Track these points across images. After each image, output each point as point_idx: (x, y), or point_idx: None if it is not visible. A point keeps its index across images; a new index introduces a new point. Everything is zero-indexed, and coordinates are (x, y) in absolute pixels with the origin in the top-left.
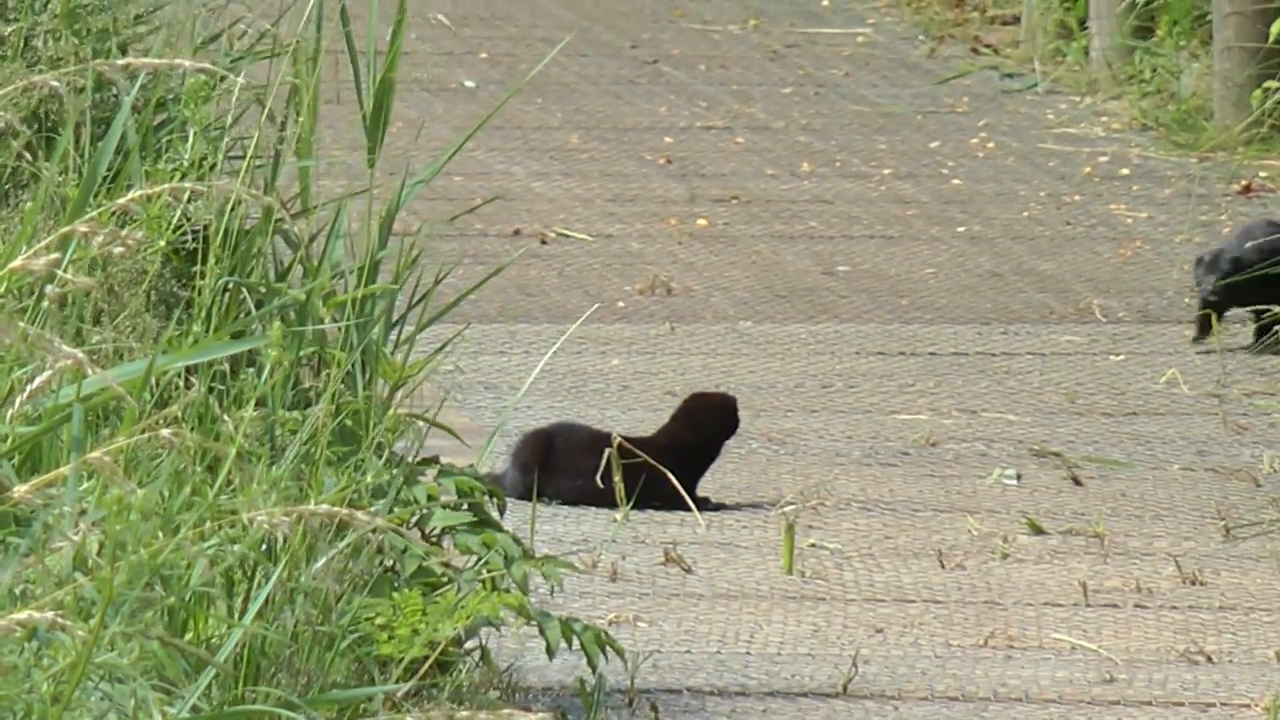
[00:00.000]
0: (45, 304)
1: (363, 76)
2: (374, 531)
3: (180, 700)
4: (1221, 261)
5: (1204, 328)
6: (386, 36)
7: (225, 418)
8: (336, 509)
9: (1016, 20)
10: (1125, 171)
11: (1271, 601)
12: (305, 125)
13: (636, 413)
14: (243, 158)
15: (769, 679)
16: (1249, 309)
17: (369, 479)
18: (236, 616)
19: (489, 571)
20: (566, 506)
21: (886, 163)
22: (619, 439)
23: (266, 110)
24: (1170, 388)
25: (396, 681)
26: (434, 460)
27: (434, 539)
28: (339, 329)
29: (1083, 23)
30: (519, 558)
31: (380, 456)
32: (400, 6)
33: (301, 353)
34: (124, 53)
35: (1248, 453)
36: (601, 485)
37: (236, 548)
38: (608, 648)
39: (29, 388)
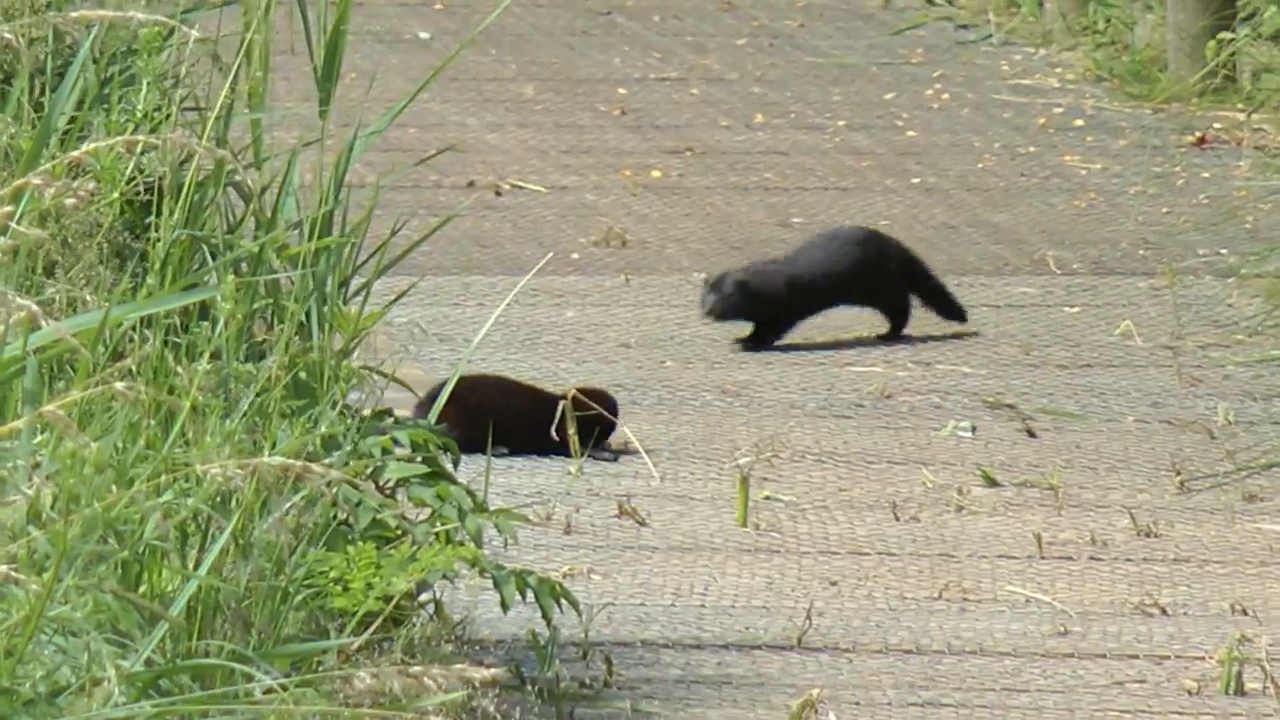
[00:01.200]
0: None
1: (314, 28)
2: (328, 484)
3: (134, 653)
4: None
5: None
6: None
7: (179, 371)
8: (291, 461)
9: None
10: (1079, 123)
11: (1225, 554)
12: (257, 77)
13: (590, 364)
14: (196, 110)
15: (723, 631)
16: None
17: (323, 431)
18: (190, 569)
19: (443, 524)
20: (520, 458)
21: (841, 114)
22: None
23: (219, 62)
24: (1125, 340)
25: (350, 635)
26: (388, 412)
27: (388, 492)
28: (292, 281)
29: None
30: (473, 510)
31: (334, 409)
32: None
33: (255, 305)
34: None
35: (1202, 405)
36: (556, 437)
37: (190, 501)
38: (562, 600)
39: None
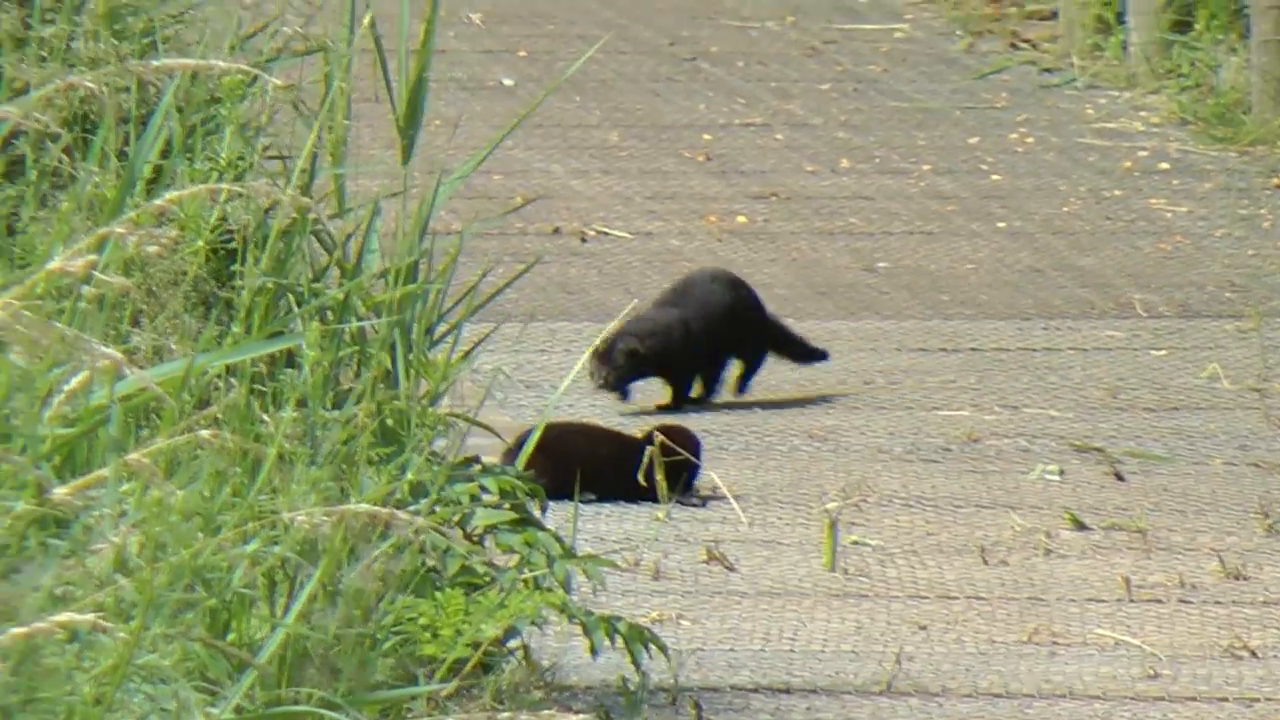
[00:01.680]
0: (83, 305)
1: (396, 76)
2: (415, 531)
3: (222, 701)
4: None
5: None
6: (420, 35)
7: (265, 418)
8: (378, 509)
9: (1054, 15)
10: (1164, 166)
11: None
12: (339, 126)
13: (677, 410)
14: (279, 158)
15: (812, 676)
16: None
17: (410, 478)
18: (278, 617)
19: (531, 570)
20: (607, 504)
21: (926, 158)
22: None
23: (301, 110)
24: (1212, 382)
25: (439, 681)
26: (475, 459)
27: (476, 538)
28: (377, 328)
29: (1120, 17)
30: (561, 556)
31: (421, 456)
32: (432, 5)
33: (341, 353)
34: (163, 53)
35: None
36: (643, 482)
37: (277, 548)
38: (651, 646)
39: (65, 388)
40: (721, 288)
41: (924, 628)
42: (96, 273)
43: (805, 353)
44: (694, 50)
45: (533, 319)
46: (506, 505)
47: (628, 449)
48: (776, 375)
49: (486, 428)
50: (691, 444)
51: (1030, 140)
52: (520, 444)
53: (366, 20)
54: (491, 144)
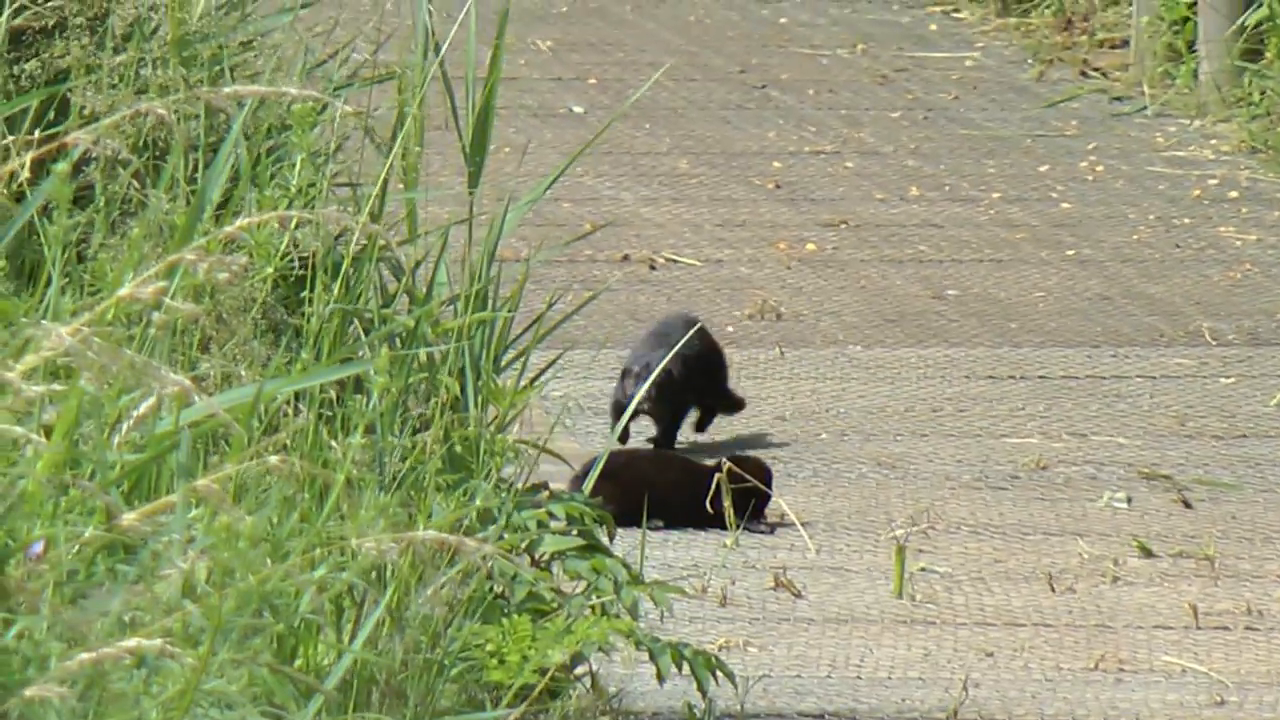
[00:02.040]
0: (152, 331)
1: (465, 103)
2: (483, 558)
3: None
4: (650, 372)
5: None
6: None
7: (334, 445)
8: (445, 535)
9: (1125, 44)
10: (1234, 194)
11: None
12: (411, 153)
13: (745, 437)
14: (349, 185)
15: (879, 703)
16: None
17: (478, 505)
18: (345, 643)
19: (598, 597)
20: (675, 531)
21: (995, 186)
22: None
23: (371, 135)
24: None
25: (506, 707)
26: (543, 486)
27: (543, 565)
28: (445, 355)
29: (1191, 46)
30: (628, 583)
31: (489, 483)
32: (499, 32)
33: (409, 380)
34: (233, 79)
35: None
36: (711, 510)
37: (345, 574)
38: (718, 672)
39: (134, 414)
40: (698, 334)
41: (991, 655)
42: (166, 299)
43: (732, 403)
44: (764, 78)
45: (602, 346)
46: (574, 532)
47: (697, 476)
48: (844, 402)
49: (555, 455)
50: (763, 474)
51: (1100, 168)
52: (588, 469)
53: (435, 48)
54: (559, 169)
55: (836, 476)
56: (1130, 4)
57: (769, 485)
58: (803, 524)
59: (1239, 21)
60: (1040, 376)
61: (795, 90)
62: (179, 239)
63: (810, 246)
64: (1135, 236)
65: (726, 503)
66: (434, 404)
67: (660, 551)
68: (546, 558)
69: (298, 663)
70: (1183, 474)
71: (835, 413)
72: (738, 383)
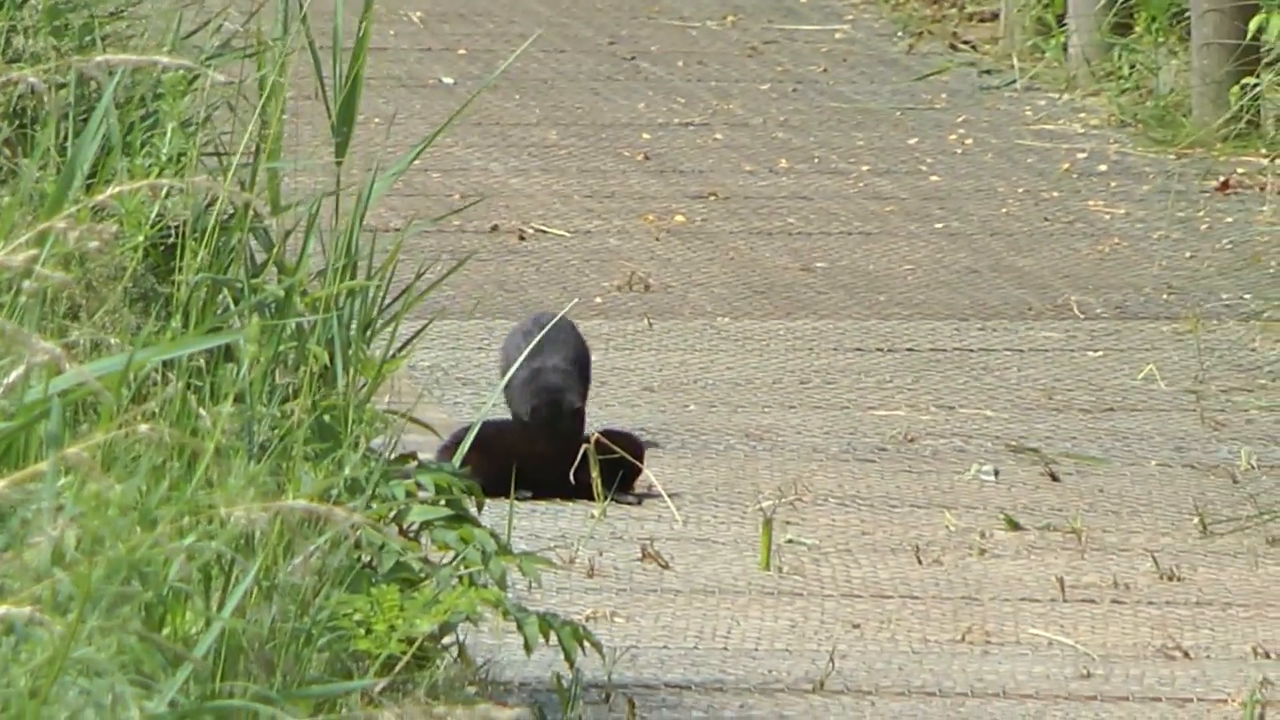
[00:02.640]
0: (22, 299)
1: (334, 73)
2: (352, 527)
3: (158, 695)
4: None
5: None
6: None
7: (203, 413)
8: (314, 505)
9: (995, 17)
10: (1103, 168)
11: (1248, 597)
12: (274, 124)
13: (614, 408)
14: (218, 154)
15: (746, 674)
16: None
17: (346, 475)
18: (214, 611)
19: (466, 567)
20: (543, 503)
21: (865, 159)
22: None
23: (232, 107)
24: (1148, 384)
25: (374, 677)
26: (411, 456)
27: (411, 535)
28: (315, 325)
29: (1061, 19)
30: (496, 553)
31: (358, 452)
32: (367, 2)
33: (279, 349)
34: (104, 49)
35: (1225, 449)
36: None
37: (214, 543)
38: (585, 643)
39: (4, 382)
40: (576, 336)
41: (858, 626)
42: (37, 267)
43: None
44: (634, 49)
45: (470, 316)
46: (443, 502)
47: (566, 448)
48: (712, 374)
49: (423, 425)
50: (634, 447)
51: (969, 141)
52: (456, 440)
53: (301, 19)
54: (427, 140)
55: (704, 448)
56: None
57: (640, 459)
58: (670, 495)
59: None
60: (908, 349)
61: (665, 62)
62: (50, 207)
63: (679, 218)
64: (1004, 210)
65: (595, 474)
66: (303, 373)
67: (528, 522)
68: (415, 528)
69: (166, 631)
70: (1050, 447)
71: (703, 384)
72: (605, 354)
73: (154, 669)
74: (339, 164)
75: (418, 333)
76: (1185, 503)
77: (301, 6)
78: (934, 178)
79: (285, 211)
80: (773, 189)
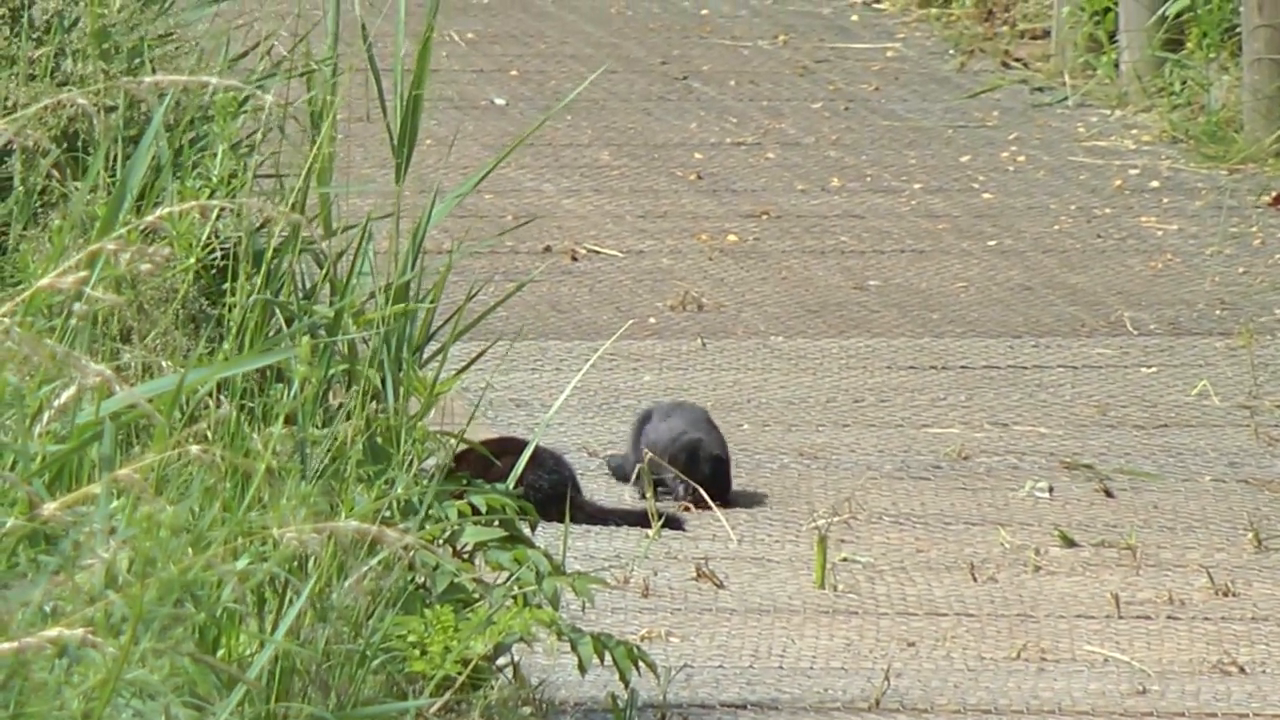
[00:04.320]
0: (73, 322)
1: (390, 95)
2: (405, 548)
3: (211, 717)
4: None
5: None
6: (414, 54)
7: (254, 435)
8: (366, 526)
9: (1046, 34)
10: (1155, 184)
11: None
12: (326, 145)
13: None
14: (271, 176)
15: (801, 693)
16: None
17: (399, 495)
18: (268, 633)
19: (520, 588)
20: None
21: (917, 177)
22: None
23: (282, 130)
24: (1202, 400)
25: (428, 698)
26: (465, 477)
27: (465, 555)
28: (369, 347)
29: (1112, 36)
30: (550, 574)
31: (410, 473)
32: (428, 24)
33: (331, 371)
34: (153, 71)
35: (1279, 464)
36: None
37: (267, 564)
38: (640, 663)
39: (55, 404)
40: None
41: (913, 644)
42: (87, 290)
43: None
44: (686, 69)
45: (523, 338)
46: (496, 523)
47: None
48: (766, 393)
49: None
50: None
51: (1021, 159)
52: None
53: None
54: (491, 165)
55: (758, 467)
56: None
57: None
58: (725, 514)
59: (1160, 12)
60: (962, 367)
61: (716, 81)
62: (100, 229)
63: (732, 238)
64: (1056, 227)
65: (648, 493)
66: (355, 394)
67: (582, 543)
68: (469, 548)
69: (220, 653)
70: (1104, 463)
71: (757, 403)
72: (660, 374)
73: (207, 691)
74: (400, 185)
75: (477, 356)
76: (1240, 518)
77: (364, 29)
78: (986, 195)
79: (337, 233)
80: (825, 208)
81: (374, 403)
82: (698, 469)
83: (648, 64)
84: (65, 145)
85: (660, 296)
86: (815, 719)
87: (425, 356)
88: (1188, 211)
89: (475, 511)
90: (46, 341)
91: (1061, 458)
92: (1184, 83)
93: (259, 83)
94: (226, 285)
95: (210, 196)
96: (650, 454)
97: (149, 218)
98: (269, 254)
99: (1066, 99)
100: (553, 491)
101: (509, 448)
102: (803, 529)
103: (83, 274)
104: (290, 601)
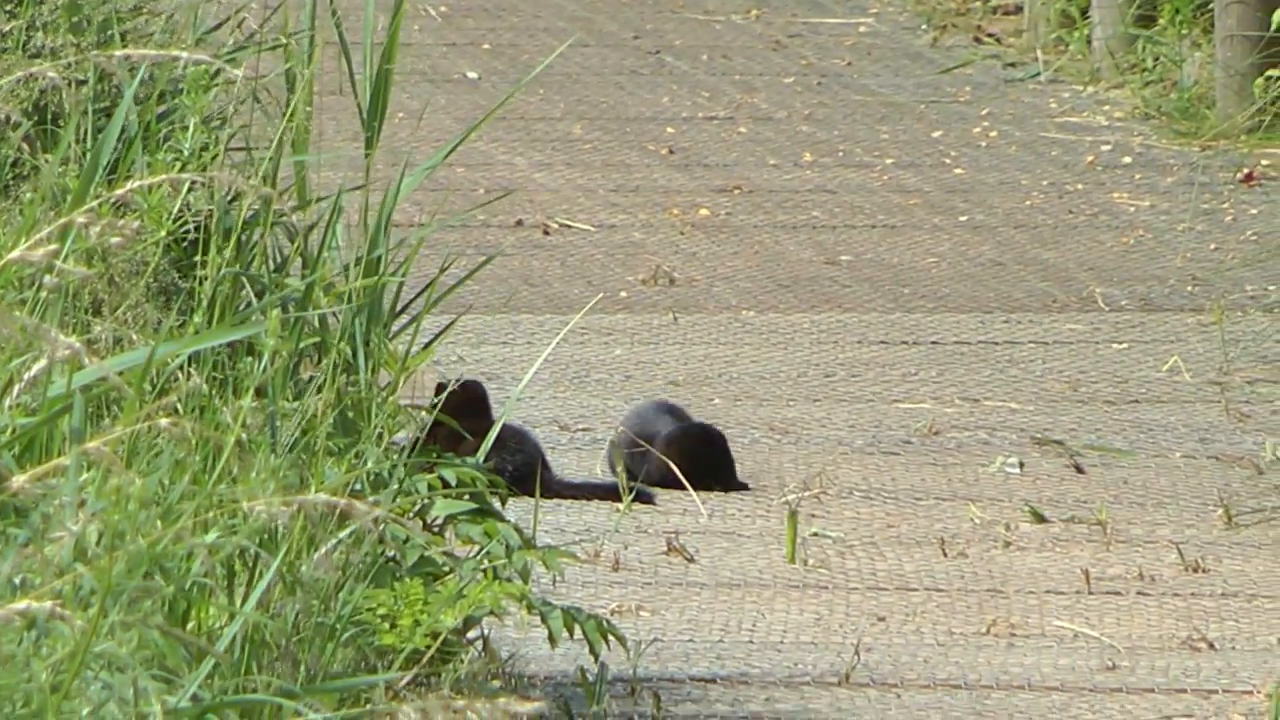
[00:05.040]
0: (44, 295)
1: (360, 68)
2: (375, 521)
3: (180, 690)
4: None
5: None
6: (385, 27)
7: (224, 408)
8: (336, 499)
9: (1019, 9)
10: (1127, 160)
11: (1273, 588)
12: (300, 118)
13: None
14: (243, 149)
15: (771, 668)
16: None
17: (369, 468)
18: (237, 606)
19: (490, 561)
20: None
21: (889, 152)
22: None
23: (260, 103)
24: (1172, 375)
25: (398, 671)
26: (435, 450)
27: (435, 529)
28: (339, 320)
29: (1085, 12)
30: (520, 547)
31: (381, 447)
32: None
33: (301, 344)
34: (124, 45)
35: (1249, 440)
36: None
37: (236, 537)
38: (610, 637)
39: (26, 377)
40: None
41: (883, 619)
42: (58, 262)
43: None
44: (658, 44)
45: (495, 311)
46: (466, 496)
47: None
48: (737, 368)
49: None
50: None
51: (993, 134)
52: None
53: (331, 13)
54: (461, 137)
55: (729, 441)
56: None
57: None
58: (695, 488)
59: None
60: (933, 342)
61: (689, 56)
62: (72, 203)
63: (704, 212)
64: (1028, 202)
65: (619, 468)
66: (325, 367)
67: (553, 517)
68: (439, 522)
69: (189, 626)
70: (1075, 439)
71: (728, 378)
72: (630, 348)
73: (176, 664)
74: (369, 157)
75: (444, 329)
76: (1210, 494)
77: (331, 1)
78: (958, 171)
79: (308, 206)
80: (797, 182)
81: (345, 376)
82: (714, 454)
83: (620, 38)
84: (36, 118)
85: (632, 271)
86: (785, 693)
87: (396, 330)
88: (1159, 188)
89: (445, 485)
90: (17, 314)
91: (1032, 433)
92: (1156, 59)
93: (230, 56)
94: (197, 258)
95: (182, 170)
96: (663, 456)
97: (120, 191)
98: (238, 227)
99: (1039, 75)
100: (517, 474)
101: (473, 392)
102: (773, 504)
103: (54, 247)
104: (260, 575)
